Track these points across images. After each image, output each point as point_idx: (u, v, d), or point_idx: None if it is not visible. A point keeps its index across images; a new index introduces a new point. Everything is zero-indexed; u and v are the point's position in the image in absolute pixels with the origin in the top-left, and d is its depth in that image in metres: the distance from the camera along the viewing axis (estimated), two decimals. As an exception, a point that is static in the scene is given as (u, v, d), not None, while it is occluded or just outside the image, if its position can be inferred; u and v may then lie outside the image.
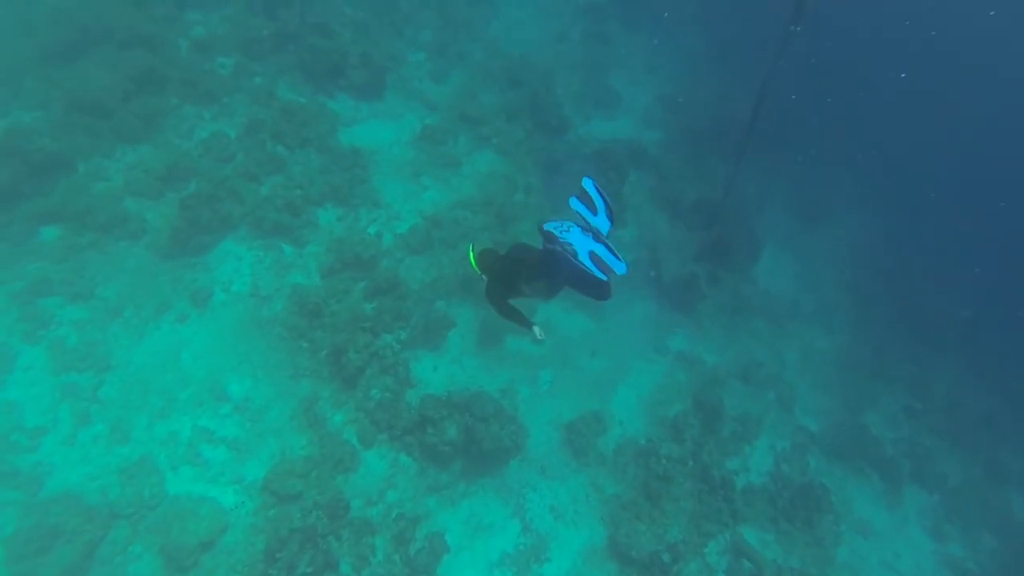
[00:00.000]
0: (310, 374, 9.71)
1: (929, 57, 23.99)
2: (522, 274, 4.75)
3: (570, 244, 4.31)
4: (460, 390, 9.57)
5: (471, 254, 4.97)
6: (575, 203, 4.64)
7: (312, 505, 8.54)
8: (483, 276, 4.97)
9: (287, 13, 14.85)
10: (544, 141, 14.48)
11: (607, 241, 4.41)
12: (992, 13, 25.67)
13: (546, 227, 4.53)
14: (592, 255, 4.28)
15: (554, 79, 16.68)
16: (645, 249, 13.53)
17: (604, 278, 4.28)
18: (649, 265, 13.12)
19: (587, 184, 4.68)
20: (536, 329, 4.91)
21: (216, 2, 14.68)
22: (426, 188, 12.53)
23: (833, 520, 10.53)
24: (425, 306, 10.58)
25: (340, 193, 11.76)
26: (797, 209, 17.04)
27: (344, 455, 9.05)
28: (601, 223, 4.58)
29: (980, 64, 25.87)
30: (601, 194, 4.64)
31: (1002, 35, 26.33)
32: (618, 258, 4.33)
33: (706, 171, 16.13)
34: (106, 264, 10.29)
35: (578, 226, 4.46)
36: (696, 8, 22.28)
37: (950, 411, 13.84)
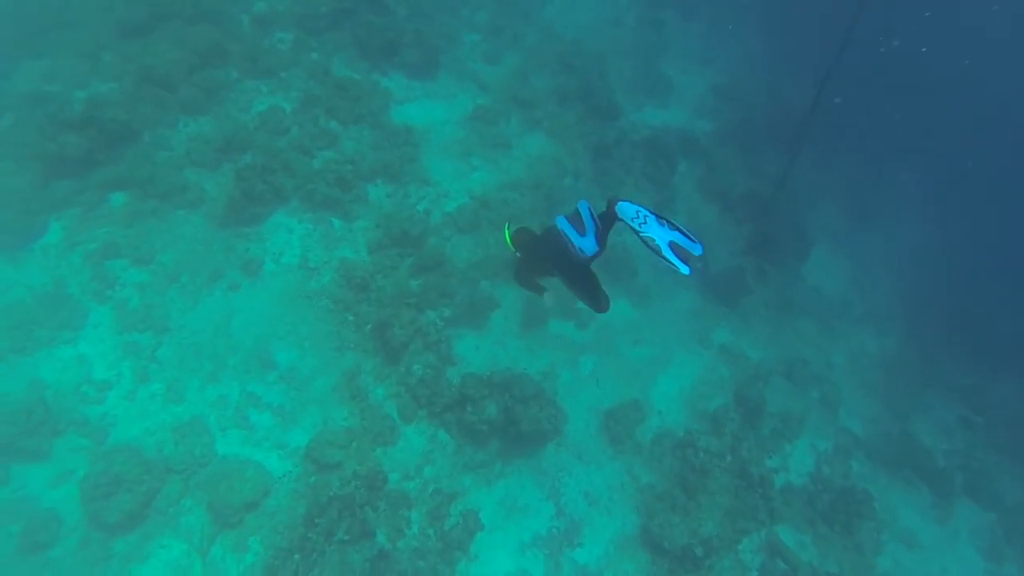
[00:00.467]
0: (354, 347, 9.97)
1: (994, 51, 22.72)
2: (551, 257, 4.70)
3: (652, 239, 4.26)
4: (501, 370, 9.68)
5: (507, 231, 5.07)
6: (562, 222, 4.55)
7: (351, 475, 8.81)
8: (517, 253, 5.03)
9: (346, -10, 15.03)
10: (595, 126, 14.35)
11: (679, 226, 4.33)
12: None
13: (620, 209, 4.42)
14: (672, 245, 4.24)
15: (607, 64, 16.48)
16: (693, 240, 13.33)
17: (687, 271, 4.22)
18: (696, 256, 12.94)
19: (583, 208, 4.60)
20: (547, 295, 5.14)
21: (277, -22, 14.96)
22: (475, 168, 12.62)
23: (875, 527, 10.29)
24: (470, 285, 10.70)
25: (391, 170, 11.95)
26: (851, 207, 16.51)
27: (384, 428, 9.29)
28: (588, 244, 4.45)
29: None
30: (593, 217, 4.55)
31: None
32: (693, 240, 4.30)
33: (758, 164, 15.77)
34: (166, 231, 10.75)
35: (653, 215, 4.35)
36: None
37: (1012, 426, 13.26)
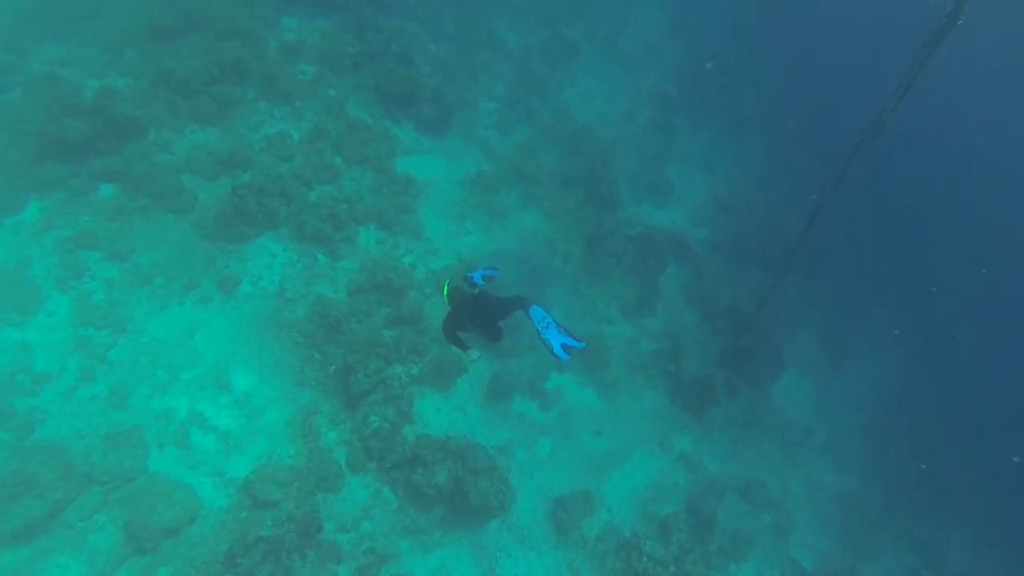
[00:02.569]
0: (315, 385, 10.10)
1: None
2: (475, 315, 6.10)
3: (549, 342, 5.58)
4: (458, 437, 9.85)
5: (446, 287, 6.29)
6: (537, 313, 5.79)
7: (286, 517, 8.76)
8: (448, 306, 6.20)
9: (375, 37, 16.02)
10: (592, 213, 15.15)
11: (571, 333, 5.64)
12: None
13: (532, 312, 5.71)
14: (564, 345, 5.57)
15: (614, 156, 17.54)
16: (669, 342, 13.91)
17: (566, 359, 5.66)
18: (669, 359, 13.47)
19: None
20: (472, 353, 6.24)
21: (313, 14, 15.94)
22: (469, 232, 13.19)
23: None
24: (442, 347, 10.98)
25: (385, 217, 12.44)
26: (826, 338, 17.39)
27: (330, 474, 9.31)
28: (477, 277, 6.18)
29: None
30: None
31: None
32: (579, 342, 5.65)
33: (745, 280, 16.63)
34: (149, 231, 10.98)
35: (555, 323, 5.66)
36: (758, 117, 23.37)
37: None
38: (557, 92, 18.62)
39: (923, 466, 15.23)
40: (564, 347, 5.56)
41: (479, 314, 6.05)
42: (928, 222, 23.77)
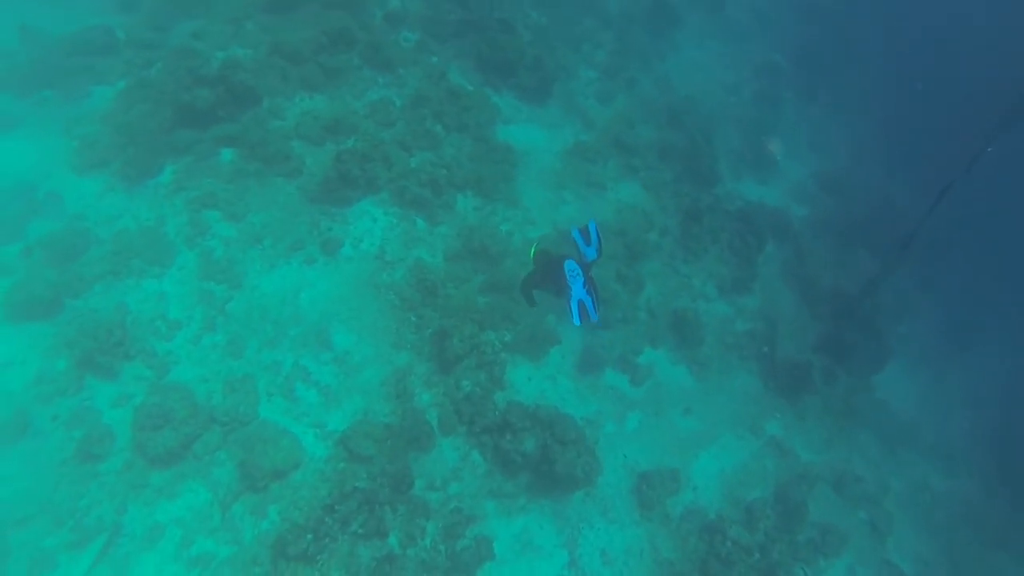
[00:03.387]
0: (411, 347, 10.62)
1: None
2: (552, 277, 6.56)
3: (570, 288, 6.19)
4: (547, 407, 10.10)
5: (533, 248, 6.94)
6: (575, 233, 6.71)
7: (379, 471, 9.36)
8: (533, 263, 6.84)
9: (477, 4, 16.19)
10: (691, 187, 14.85)
11: (594, 293, 6.19)
12: None
13: (567, 265, 6.34)
14: (580, 304, 6.10)
15: (715, 129, 17.03)
16: (764, 323, 13.55)
17: (578, 323, 6.14)
18: (764, 340, 13.13)
19: (591, 226, 6.75)
20: (535, 309, 7.11)
21: (417, -19, 16.29)
22: (566, 202, 13.29)
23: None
24: (536, 316, 11.25)
25: (483, 184, 12.73)
26: (942, 328, 16.31)
27: (421, 434, 9.82)
28: (590, 252, 6.67)
29: None
30: (599, 235, 6.73)
31: None
32: (596, 311, 6.18)
33: (849, 261, 15.87)
34: (261, 193, 11.81)
35: (584, 277, 6.23)
36: (876, 93, 21.88)
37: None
38: (659, 62, 18.18)
39: None
40: (580, 305, 6.12)
41: (555, 283, 6.51)
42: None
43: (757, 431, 11.92)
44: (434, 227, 12.12)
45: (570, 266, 6.27)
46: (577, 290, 6.11)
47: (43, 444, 8.77)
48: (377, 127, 13.18)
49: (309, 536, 8.59)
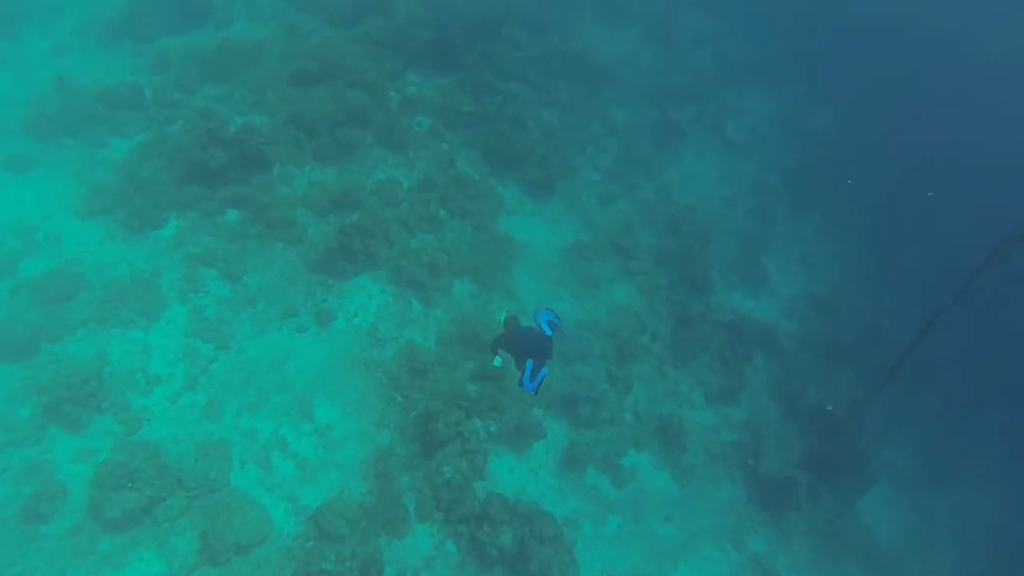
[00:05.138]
0: (394, 428, 10.79)
1: None
2: (515, 345, 7.65)
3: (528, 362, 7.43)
4: (527, 501, 10.21)
5: (504, 314, 7.96)
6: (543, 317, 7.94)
7: (349, 554, 9.27)
8: (503, 328, 7.81)
9: (491, 98, 17.48)
10: (683, 294, 15.58)
11: (542, 372, 7.49)
12: None
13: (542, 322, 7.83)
14: (533, 371, 7.40)
15: (710, 240, 18.02)
16: (750, 435, 13.89)
17: (530, 388, 7.45)
18: (749, 452, 13.43)
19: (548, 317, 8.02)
20: (496, 359, 7.87)
21: (435, 72, 17.65)
22: (561, 298, 13.87)
23: None
24: (523, 408, 11.53)
25: (481, 272, 13.32)
26: (926, 456, 16.71)
27: (396, 518, 9.84)
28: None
29: None
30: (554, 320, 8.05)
31: None
32: (536, 382, 7.47)
33: (835, 381, 16.43)
34: (261, 256, 12.29)
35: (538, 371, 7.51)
36: (865, 216, 23.28)
37: None
38: (660, 171, 19.46)
39: None
40: (533, 377, 7.43)
41: (519, 345, 7.60)
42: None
43: (739, 545, 11.99)
44: (429, 310, 12.56)
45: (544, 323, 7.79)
46: (529, 374, 7.46)
47: (-16, 499, 8.61)
48: (383, 205, 13.89)
49: (266, 621, 8.46)
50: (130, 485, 8.87)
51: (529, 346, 7.55)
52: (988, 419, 18.17)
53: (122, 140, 13.09)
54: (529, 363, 7.39)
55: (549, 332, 7.78)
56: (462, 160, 15.82)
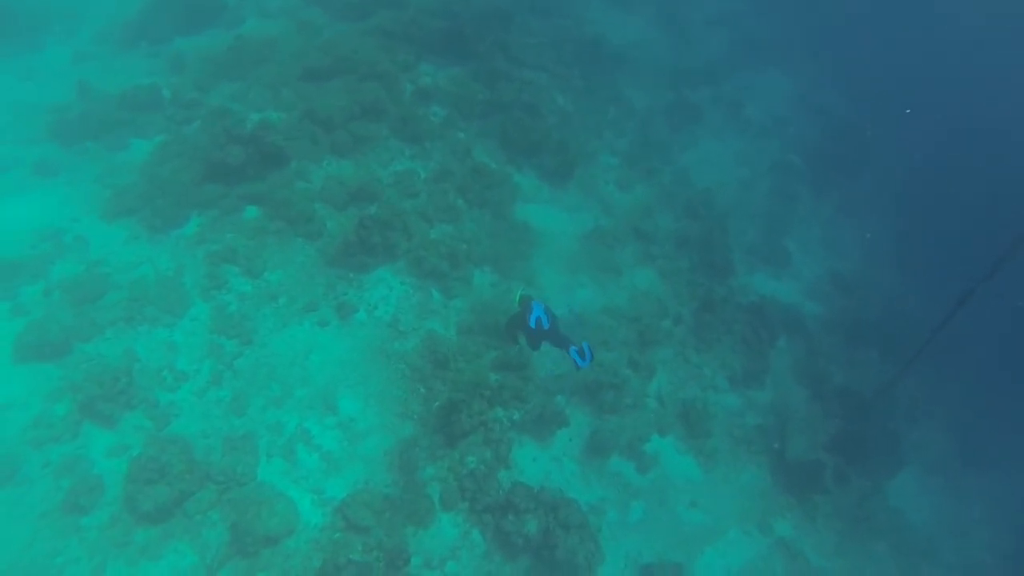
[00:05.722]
0: (417, 419, 10.83)
1: None
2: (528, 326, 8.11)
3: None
4: (552, 489, 10.19)
5: (519, 294, 8.46)
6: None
7: (376, 544, 9.38)
8: (518, 306, 8.27)
9: (506, 86, 17.36)
10: (705, 278, 15.39)
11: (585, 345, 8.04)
12: None
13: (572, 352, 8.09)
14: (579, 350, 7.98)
15: (731, 222, 17.76)
16: (775, 418, 13.72)
17: (583, 365, 7.95)
18: (774, 436, 13.26)
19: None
20: (518, 346, 8.50)
21: (448, 62, 17.59)
22: (582, 285, 13.80)
23: None
24: (546, 396, 11.51)
25: (501, 261, 13.29)
26: (959, 436, 16.37)
27: (421, 509, 9.88)
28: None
29: None
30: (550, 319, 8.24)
31: None
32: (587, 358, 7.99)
33: (861, 361, 16.15)
34: (281, 252, 12.38)
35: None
36: (888, 196, 22.82)
37: None
38: (679, 154, 19.21)
39: None
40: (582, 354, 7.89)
41: (531, 327, 8.08)
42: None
43: (765, 529, 11.87)
44: (449, 300, 12.57)
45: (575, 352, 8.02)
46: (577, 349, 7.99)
47: (28, 492, 8.87)
48: (400, 197, 13.89)
49: (297, 609, 8.58)
50: (161, 479, 9.07)
51: (542, 335, 8.06)
52: (1020, 398, 17.74)
53: (143, 141, 13.28)
54: (584, 344, 8.00)
55: (544, 324, 8.13)
56: (478, 149, 15.77)
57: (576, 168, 16.16)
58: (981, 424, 16.61)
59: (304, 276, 12.26)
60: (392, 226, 12.79)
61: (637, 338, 13.12)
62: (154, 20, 15.98)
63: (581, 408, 11.87)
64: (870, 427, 13.90)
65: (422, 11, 18.19)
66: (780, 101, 24.56)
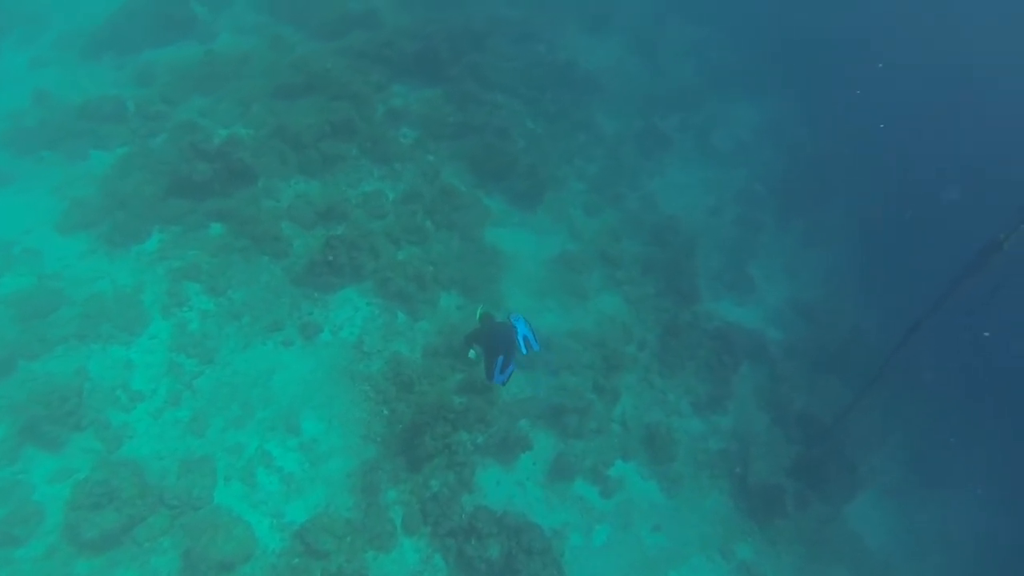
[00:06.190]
0: (381, 441, 10.70)
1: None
2: (486, 342, 8.33)
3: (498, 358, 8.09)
4: (515, 513, 10.13)
5: (480, 310, 8.80)
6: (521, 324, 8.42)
7: (335, 570, 9.19)
8: (479, 323, 8.54)
9: (476, 109, 17.50)
10: (670, 303, 15.57)
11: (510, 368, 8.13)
12: None
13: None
14: (503, 365, 8.03)
15: (696, 249, 18.07)
16: (737, 443, 13.88)
17: (499, 380, 8.15)
18: (737, 461, 13.42)
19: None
20: (471, 352, 8.54)
21: (420, 84, 17.69)
22: (548, 309, 13.84)
23: None
24: (510, 420, 11.48)
25: (468, 284, 13.28)
26: (912, 461, 16.78)
27: (383, 532, 9.73)
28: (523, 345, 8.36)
29: None
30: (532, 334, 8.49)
31: None
32: (505, 375, 8.16)
33: (821, 388, 16.47)
34: (246, 270, 12.21)
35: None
36: (850, 226, 23.47)
37: None
38: (646, 181, 19.51)
39: None
40: (503, 370, 8.10)
41: (491, 340, 8.25)
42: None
43: (728, 554, 11.94)
44: (415, 322, 12.50)
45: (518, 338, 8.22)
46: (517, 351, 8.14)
47: (-46, 523, 8.44)
48: (368, 217, 13.84)
49: (249, 640, 8.33)
50: (109, 504, 8.73)
51: (499, 342, 8.17)
52: (973, 422, 18.30)
53: (104, 153, 12.99)
54: (500, 359, 8.05)
55: (523, 347, 8.25)
56: (448, 171, 15.81)
57: (545, 192, 16.30)
58: (934, 448, 17.05)
59: (269, 295, 12.08)
60: (359, 247, 12.72)
61: (602, 362, 13.19)
62: (123, 30, 15.72)
63: (545, 432, 11.86)
64: (829, 453, 14.16)
65: (397, 32, 18.27)
66: (747, 130, 25.19)
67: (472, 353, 8.55)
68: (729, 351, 15.05)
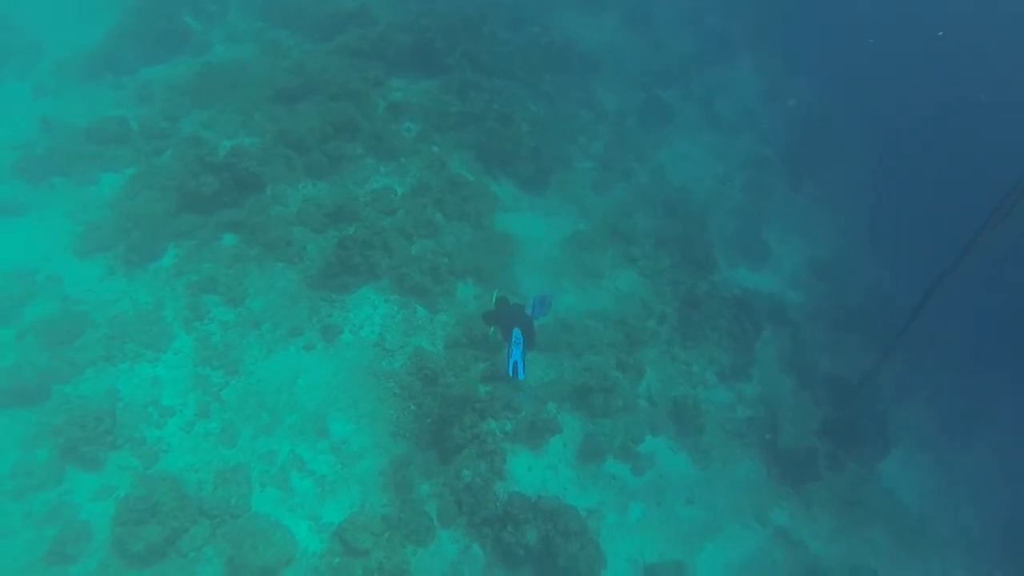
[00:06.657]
0: (410, 436, 10.74)
1: None
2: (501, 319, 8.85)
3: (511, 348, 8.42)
4: (549, 497, 10.13)
5: (495, 294, 9.42)
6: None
7: (376, 567, 9.25)
8: (494, 306, 9.14)
9: (477, 96, 17.35)
10: (687, 275, 15.46)
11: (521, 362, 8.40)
12: None
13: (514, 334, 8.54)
14: (514, 364, 8.36)
15: (709, 218, 17.91)
16: (765, 409, 13.80)
17: (511, 374, 8.36)
18: (766, 427, 13.34)
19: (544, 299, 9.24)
20: (491, 330, 9.02)
21: (419, 76, 17.56)
22: (564, 290, 13.79)
23: None
24: (537, 404, 11.47)
25: (483, 272, 13.25)
26: (943, 415, 16.59)
27: (420, 527, 9.78)
28: (535, 312, 9.05)
29: None
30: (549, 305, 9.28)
31: None
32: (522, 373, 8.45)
33: (845, 348, 16.34)
34: (261, 278, 12.23)
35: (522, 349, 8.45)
36: (868, 179, 23.12)
37: None
38: (653, 154, 19.33)
39: None
40: (514, 366, 8.30)
41: (505, 322, 8.69)
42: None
43: (763, 520, 11.92)
44: (434, 315, 12.50)
45: (516, 335, 8.43)
46: (516, 355, 8.34)
47: (10, 545, 8.54)
48: (378, 215, 13.80)
49: (300, 641, 8.44)
50: (152, 518, 8.86)
51: (512, 324, 8.58)
52: (1000, 372, 18.05)
53: (113, 175, 13.04)
54: (511, 360, 8.35)
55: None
56: (454, 161, 15.73)
57: (552, 174, 16.19)
58: (963, 401, 16.87)
59: (287, 301, 12.12)
60: (372, 245, 12.69)
61: (624, 340, 13.13)
62: (118, 50, 15.72)
63: (572, 414, 11.85)
64: (858, 412, 14.03)
65: (391, 26, 18.13)
66: (749, 95, 24.83)
67: (492, 330, 9.00)
68: (750, 318, 14.94)
